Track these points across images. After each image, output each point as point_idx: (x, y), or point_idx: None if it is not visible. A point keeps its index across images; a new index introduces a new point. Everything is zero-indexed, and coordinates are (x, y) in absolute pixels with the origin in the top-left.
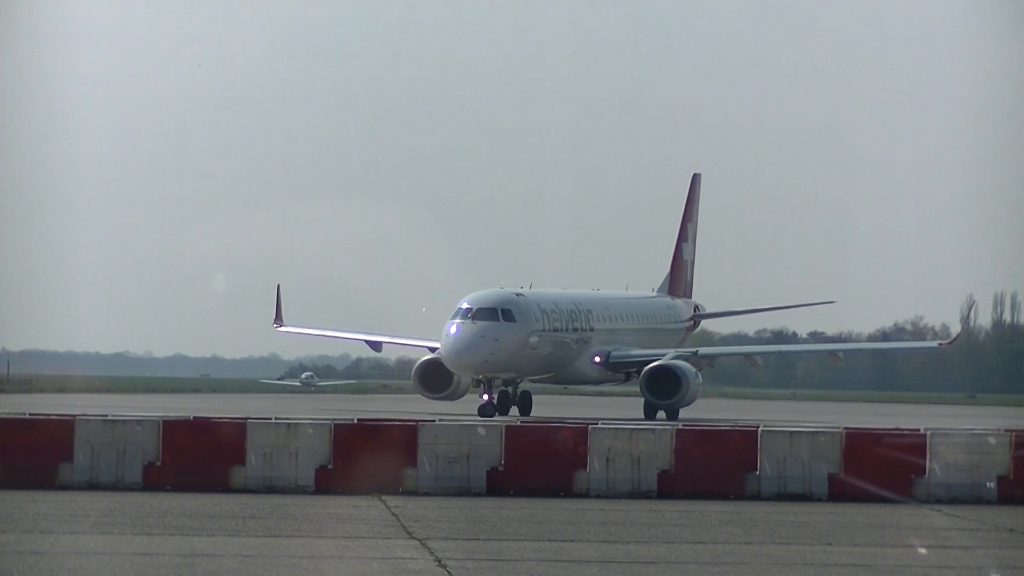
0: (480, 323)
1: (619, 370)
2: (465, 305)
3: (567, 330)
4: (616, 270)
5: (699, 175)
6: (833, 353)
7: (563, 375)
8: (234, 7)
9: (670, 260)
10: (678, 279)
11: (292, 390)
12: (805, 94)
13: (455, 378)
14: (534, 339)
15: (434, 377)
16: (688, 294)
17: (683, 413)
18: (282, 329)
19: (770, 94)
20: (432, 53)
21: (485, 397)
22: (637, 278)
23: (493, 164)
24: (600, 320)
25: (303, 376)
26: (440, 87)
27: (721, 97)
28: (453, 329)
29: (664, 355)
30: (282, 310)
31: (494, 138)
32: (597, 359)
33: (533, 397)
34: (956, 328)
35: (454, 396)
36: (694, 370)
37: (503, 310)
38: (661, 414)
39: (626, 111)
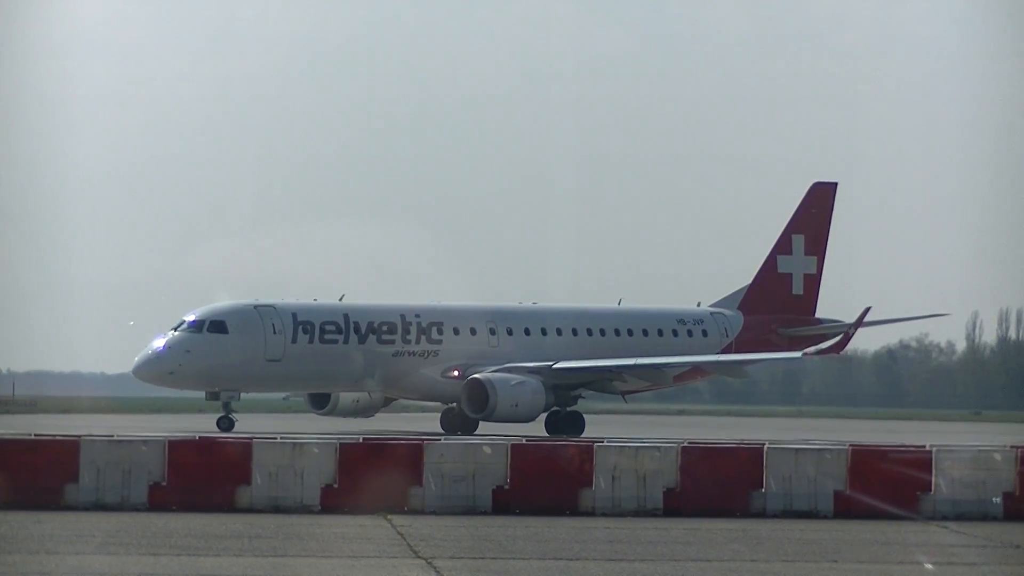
0: (179, 334)
1: None
2: (188, 317)
3: (363, 344)
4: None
5: (830, 184)
6: (697, 367)
7: (396, 389)
8: (236, 24)
9: (754, 273)
10: (766, 292)
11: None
12: (814, 101)
13: (332, 395)
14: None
15: (319, 393)
16: (806, 309)
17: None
18: None
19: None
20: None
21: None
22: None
23: (522, 178)
24: (465, 333)
25: None
26: (456, 95)
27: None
28: (155, 342)
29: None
30: None
31: (523, 154)
32: (455, 373)
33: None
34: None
35: (333, 412)
36: (517, 381)
37: (212, 321)
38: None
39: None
